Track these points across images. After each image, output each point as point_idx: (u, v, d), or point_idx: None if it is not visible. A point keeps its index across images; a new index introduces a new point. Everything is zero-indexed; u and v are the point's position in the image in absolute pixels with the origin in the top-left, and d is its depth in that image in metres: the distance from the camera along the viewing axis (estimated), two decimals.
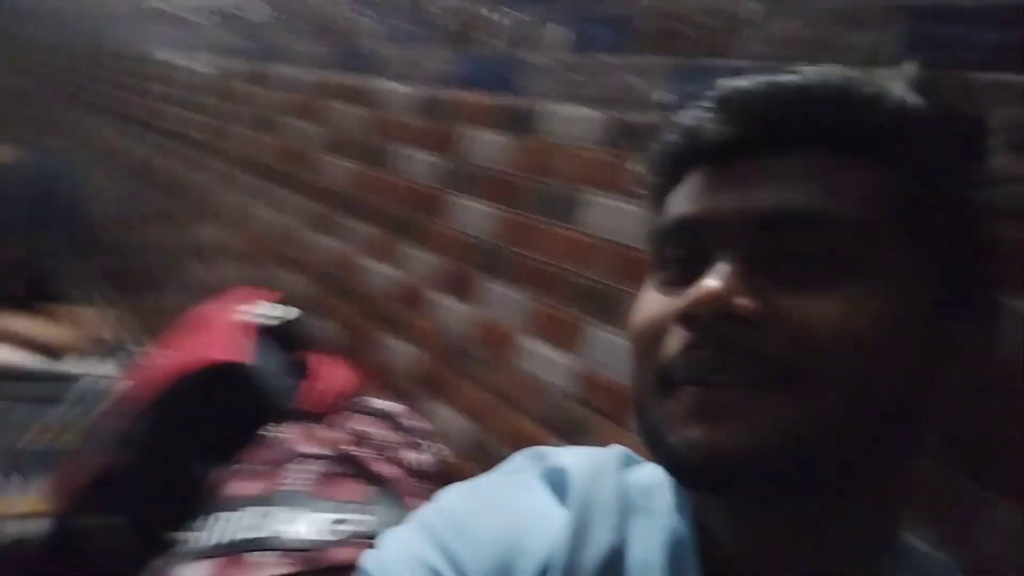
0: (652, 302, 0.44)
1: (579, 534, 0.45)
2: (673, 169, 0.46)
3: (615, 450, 0.51)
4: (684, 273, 0.42)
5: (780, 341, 0.38)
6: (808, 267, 0.40)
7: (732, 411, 0.38)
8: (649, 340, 0.43)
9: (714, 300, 0.38)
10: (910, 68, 0.50)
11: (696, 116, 0.44)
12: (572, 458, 0.51)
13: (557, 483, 0.49)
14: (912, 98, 0.43)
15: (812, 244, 0.40)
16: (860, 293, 0.39)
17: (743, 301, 0.39)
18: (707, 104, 0.44)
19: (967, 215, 0.46)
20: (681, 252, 0.43)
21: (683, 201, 0.44)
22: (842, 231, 0.40)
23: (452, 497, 0.51)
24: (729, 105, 0.43)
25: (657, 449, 0.42)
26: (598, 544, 0.45)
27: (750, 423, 0.38)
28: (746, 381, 0.39)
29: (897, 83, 0.44)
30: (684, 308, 0.40)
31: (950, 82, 0.49)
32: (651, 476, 0.49)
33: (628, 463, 0.51)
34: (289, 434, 1.10)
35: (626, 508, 0.47)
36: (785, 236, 0.40)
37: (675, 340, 0.41)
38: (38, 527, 1.41)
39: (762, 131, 0.42)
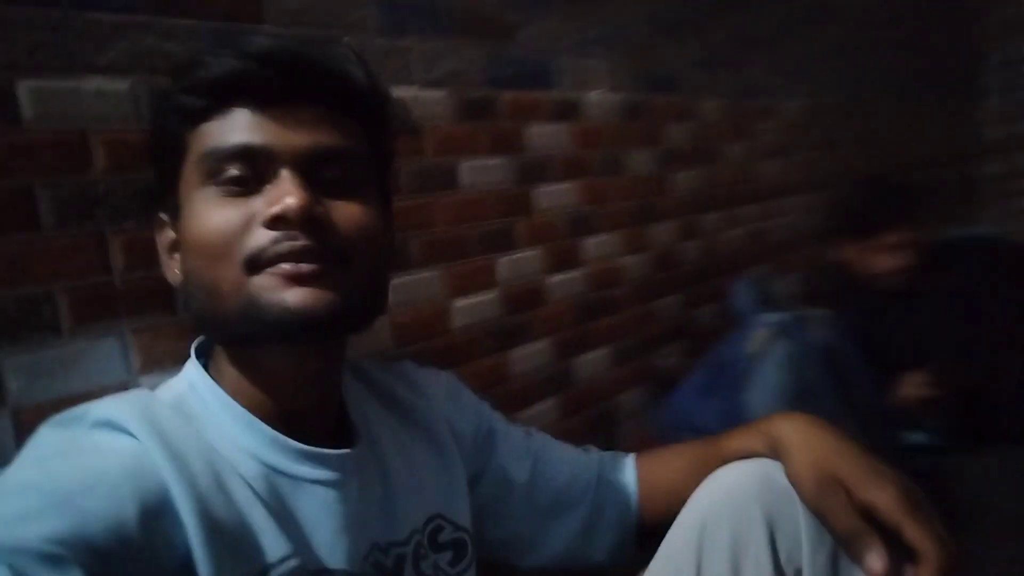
0: (224, 209, 0.57)
1: (178, 456, 0.53)
2: (212, 101, 0.58)
3: (133, 392, 0.61)
4: (243, 187, 0.57)
5: (335, 234, 0.58)
6: (337, 185, 0.59)
7: (318, 279, 0.56)
8: (232, 236, 0.56)
9: (303, 208, 0.55)
10: (349, 48, 0.67)
11: (238, 63, 0.57)
12: (105, 408, 0.55)
13: (113, 427, 0.54)
14: (366, 75, 0.63)
15: (339, 169, 0.60)
16: (366, 202, 0.61)
17: (320, 209, 0.57)
18: (247, 54, 0.58)
19: (390, 155, 0.69)
20: (241, 170, 0.57)
21: (238, 132, 0.57)
22: (354, 161, 0.61)
23: (20, 480, 0.49)
24: (274, 61, 0.57)
25: (251, 316, 0.55)
26: (198, 451, 0.55)
27: (329, 287, 0.56)
28: (324, 261, 0.56)
29: (353, 61, 0.63)
30: (278, 212, 0.55)
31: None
32: (170, 395, 0.62)
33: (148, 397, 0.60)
34: None
35: (186, 419, 0.58)
36: (324, 163, 0.59)
37: (261, 236, 0.56)
38: None
39: (297, 86, 0.58)
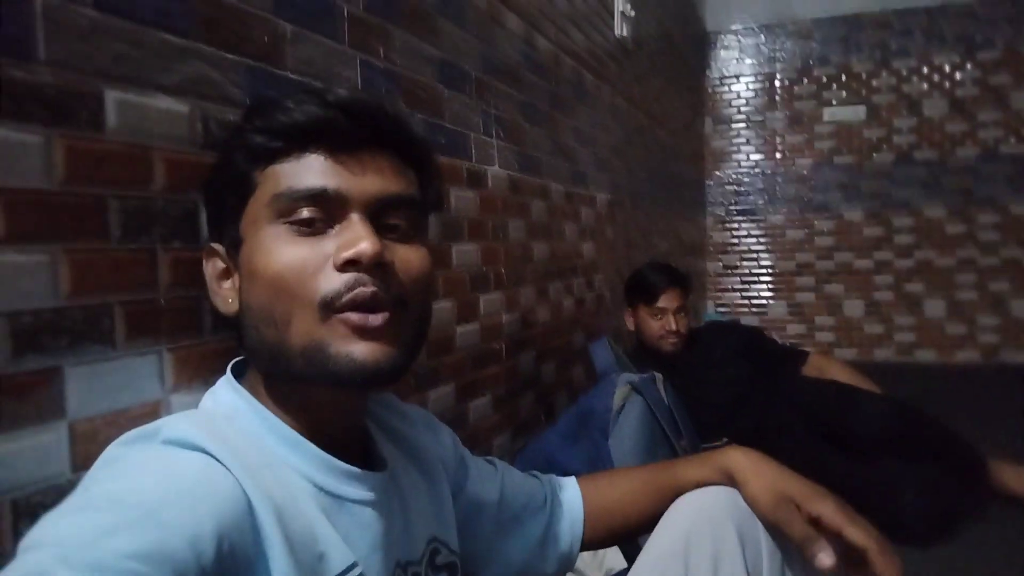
0: (296, 247, 0.59)
1: (252, 472, 0.54)
2: (289, 143, 0.61)
3: (193, 412, 0.63)
4: (313, 228, 0.60)
5: (398, 280, 0.61)
6: (399, 230, 0.63)
7: (383, 334, 0.59)
8: (306, 276, 0.58)
9: (376, 254, 0.58)
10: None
11: (320, 111, 0.60)
12: (175, 426, 0.55)
13: (186, 445, 0.54)
14: (418, 128, 0.72)
15: (401, 215, 0.63)
16: (423, 247, 0.65)
17: (389, 256, 0.60)
18: (328, 103, 0.61)
19: (438, 205, 0.76)
20: (314, 211, 0.60)
21: (314, 175, 0.60)
22: (415, 207, 0.65)
23: (100, 494, 0.48)
24: (351, 109, 0.61)
25: (317, 361, 0.58)
26: (264, 465, 0.57)
27: (392, 342, 0.59)
28: (387, 308, 0.59)
29: (409, 115, 0.72)
30: (352, 256, 0.58)
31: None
32: (221, 417, 0.62)
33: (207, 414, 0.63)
34: None
35: (245, 437, 0.60)
36: (389, 208, 0.62)
37: (334, 279, 0.58)
38: None
39: (369, 135, 0.62)
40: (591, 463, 1.54)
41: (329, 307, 0.58)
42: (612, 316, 2.62)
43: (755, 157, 4.91)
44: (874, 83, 4.61)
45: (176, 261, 0.80)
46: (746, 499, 0.80)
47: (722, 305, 4.96)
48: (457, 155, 1.46)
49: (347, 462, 0.64)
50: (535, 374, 1.89)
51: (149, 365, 0.77)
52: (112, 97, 0.73)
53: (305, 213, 0.59)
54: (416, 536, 0.72)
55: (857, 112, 4.66)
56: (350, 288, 0.58)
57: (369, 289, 0.58)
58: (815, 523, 0.76)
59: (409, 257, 0.62)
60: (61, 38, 0.68)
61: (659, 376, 1.68)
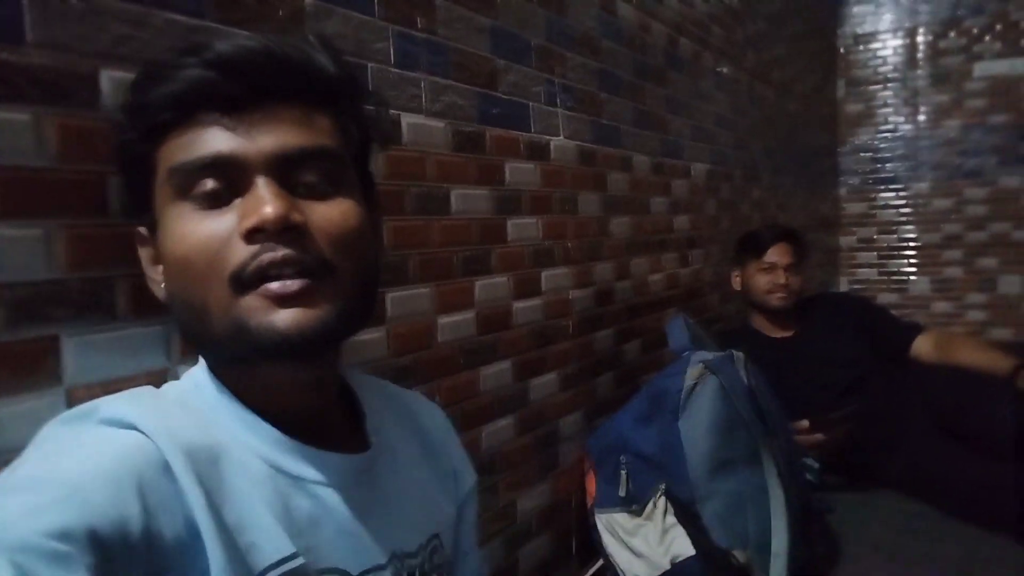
0: (200, 224, 0.55)
1: (187, 453, 0.52)
2: (176, 113, 0.56)
3: (140, 389, 0.61)
4: (218, 200, 0.55)
5: (317, 240, 0.56)
6: (315, 186, 0.57)
7: (305, 297, 0.54)
8: (213, 253, 0.54)
9: (280, 218, 0.53)
10: (317, 37, 0.64)
11: (199, 73, 0.55)
12: (113, 405, 0.54)
13: (122, 424, 0.53)
14: (335, 65, 0.60)
15: (315, 170, 0.57)
16: (346, 202, 0.59)
17: (297, 216, 0.55)
18: (202, 60, 0.55)
19: (369, 144, 0.67)
20: (214, 183, 0.55)
21: (207, 142, 0.55)
22: (329, 159, 0.58)
23: (26, 475, 0.48)
24: (235, 65, 0.55)
25: (240, 339, 0.54)
26: (204, 448, 0.54)
27: (317, 303, 0.55)
28: (307, 271, 0.54)
29: (321, 51, 0.60)
30: (255, 224, 0.53)
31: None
32: (175, 394, 0.62)
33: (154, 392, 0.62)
34: None
35: (193, 417, 0.58)
36: (297, 165, 0.57)
37: (241, 250, 0.54)
38: None
39: (263, 88, 0.56)
40: (662, 445, 1.47)
41: (239, 281, 0.54)
42: (714, 292, 2.50)
43: (895, 120, 4.51)
44: None
45: None
46: None
47: (857, 282, 4.61)
48: (514, 127, 1.42)
49: (322, 442, 0.61)
50: (615, 353, 1.82)
51: (154, 336, 0.79)
52: (108, 76, 0.75)
53: (207, 186, 0.55)
54: (416, 527, 0.69)
55: (1015, 66, 4.16)
56: (256, 256, 0.54)
57: (280, 253, 0.54)
58: None
59: (329, 213, 0.57)
60: (52, 21, 0.70)
61: (739, 355, 1.57)
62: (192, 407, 0.60)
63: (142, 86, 0.59)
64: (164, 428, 0.53)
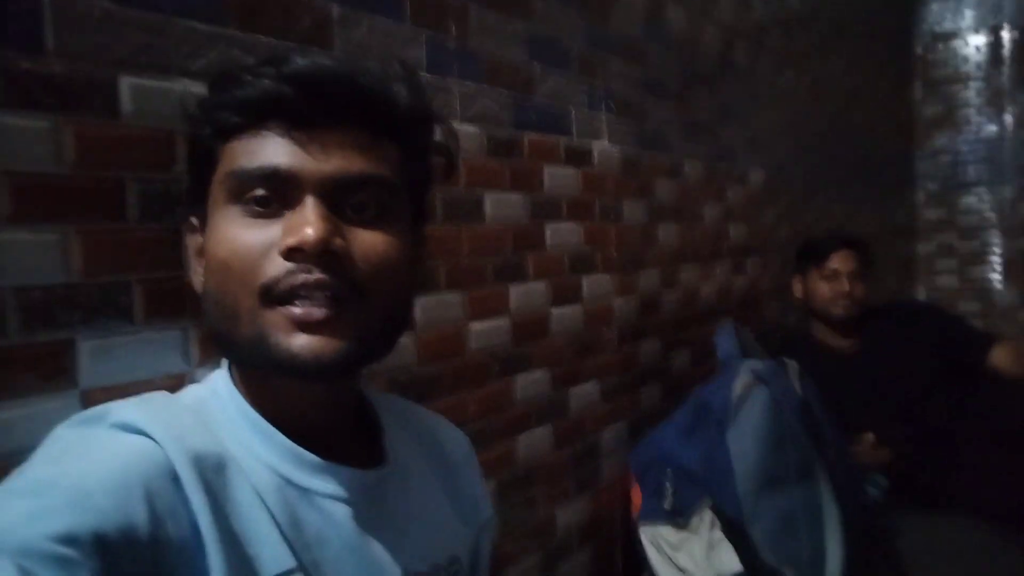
0: (246, 231, 0.56)
1: (195, 461, 0.52)
2: (245, 119, 0.57)
3: (154, 395, 0.61)
4: (268, 209, 0.56)
5: (354, 268, 0.56)
6: (364, 213, 0.58)
7: (327, 326, 0.54)
8: (251, 262, 0.55)
9: (321, 241, 0.53)
10: (400, 65, 0.65)
11: (273, 84, 0.56)
12: (124, 410, 0.55)
13: (131, 429, 0.53)
14: (411, 95, 0.62)
15: (368, 197, 0.58)
16: (392, 233, 0.59)
17: (339, 241, 0.55)
18: (283, 75, 0.56)
19: (430, 179, 0.68)
20: (266, 192, 0.56)
21: (268, 153, 0.56)
22: (384, 189, 0.59)
23: (34, 478, 0.48)
24: (309, 81, 0.56)
25: (259, 351, 0.55)
26: (213, 455, 0.55)
27: (339, 333, 0.55)
28: (337, 298, 0.55)
29: (400, 80, 0.62)
30: (295, 243, 0.54)
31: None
32: (191, 399, 0.62)
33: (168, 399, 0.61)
34: None
35: (204, 424, 0.58)
36: (351, 190, 0.57)
37: (277, 265, 0.54)
38: None
39: (332, 109, 0.57)
40: (708, 459, 1.41)
41: (269, 295, 0.55)
42: (773, 302, 2.41)
43: (977, 121, 4.28)
44: None
45: None
46: None
47: (935, 290, 4.39)
48: (553, 131, 1.39)
49: (336, 457, 0.61)
50: (662, 364, 1.77)
51: (172, 340, 0.80)
52: (127, 84, 0.76)
53: (256, 193, 0.56)
54: (429, 547, 0.67)
55: None
56: (291, 274, 0.54)
57: (313, 277, 0.54)
58: None
59: (373, 242, 0.58)
60: (71, 30, 0.72)
61: (793, 364, 1.50)
62: (206, 413, 0.60)
63: (219, 87, 0.61)
64: (174, 434, 0.53)
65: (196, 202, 0.63)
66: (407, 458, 0.70)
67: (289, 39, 0.93)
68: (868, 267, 2.17)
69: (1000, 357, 2.04)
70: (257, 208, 0.56)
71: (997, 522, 1.78)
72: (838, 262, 2.08)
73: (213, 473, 0.54)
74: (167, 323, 0.79)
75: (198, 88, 0.82)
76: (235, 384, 0.63)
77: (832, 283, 2.08)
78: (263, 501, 0.56)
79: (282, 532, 0.55)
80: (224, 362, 0.65)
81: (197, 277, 0.63)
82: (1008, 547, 1.71)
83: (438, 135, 0.69)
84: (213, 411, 0.60)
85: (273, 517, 0.56)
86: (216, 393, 0.63)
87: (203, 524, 0.51)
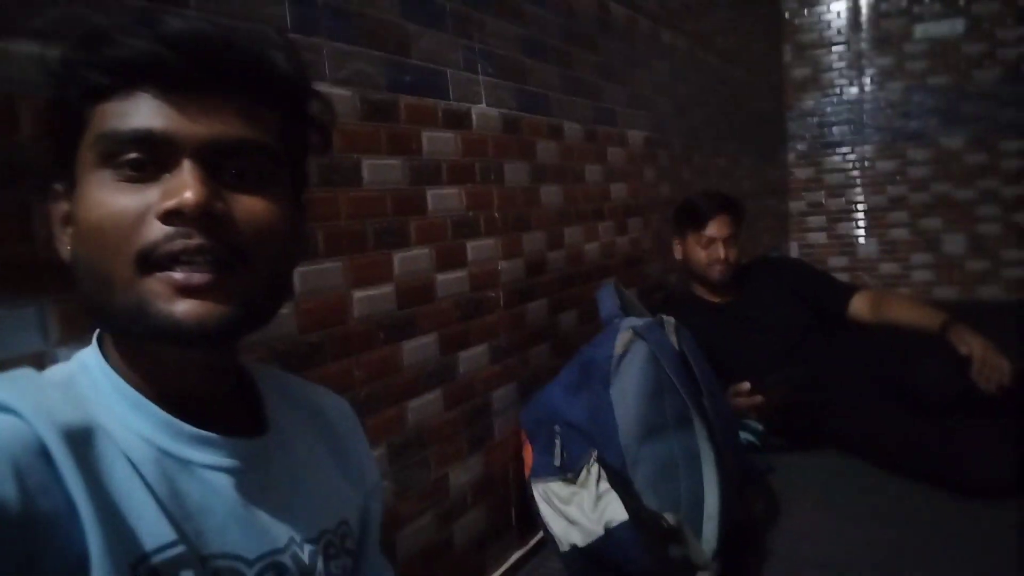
0: (119, 195, 0.54)
1: (66, 436, 0.51)
2: (118, 80, 0.55)
3: (18, 371, 0.58)
4: (142, 173, 0.54)
5: (236, 232, 0.55)
6: (243, 178, 0.57)
7: (210, 291, 0.53)
8: (126, 227, 0.53)
9: (201, 204, 0.52)
10: (276, 32, 0.65)
11: (148, 45, 0.54)
12: None
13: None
14: (289, 63, 0.61)
15: (247, 162, 0.57)
16: (273, 199, 0.58)
17: (220, 204, 0.54)
18: (159, 37, 0.54)
19: (307, 148, 0.66)
20: (140, 156, 0.54)
21: (141, 115, 0.54)
22: (264, 154, 0.58)
23: None
24: (187, 47, 0.54)
25: (138, 318, 0.54)
26: (84, 430, 0.53)
27: (222, 298, 0.54)
28: (219, 262, 0.54)
29: (277, 48, 0.60)
30: (174, 206, 0.52)
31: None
32: (59, 376, 0.60)
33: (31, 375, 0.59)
34: None
35: (74, 399, 0.56)
36: (230, 155, 0.56)
37: (154, 230, 0.53)
38: None
39: (209, 74, 0.55)
40: (593, 414, 1.46)
41: (147, 260, 0.53)
42: (655, 260, 2.50)
43: (840, 83, 4.54)
44: None
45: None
46: None
47: (807, 246, 4.67)
48: (430, 94, 1.38)
49: (215, 427, 0.60)
50: (549, 324, 1.81)
51: (27, 318, 0.76)
52: None
53: (129, 156, 0.54)
54: (314, 511, 0.67)
55: (954, 26, 4.21)
56: (170, 239, 0.53)
57: (194, 241, 0.53)
58: None
59: (254, 207, 0.57)
60: None
61: (669, 320, 1.57)
62: (76, 389, 0.58)
63: (87, 46, 0.56)
64: (42, 410, 0.51)
65: (60, 167, 0.60)
66: (289, 426, 0.70)
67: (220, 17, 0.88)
68: (741, 226, 2.29)
69: (858, 306, 2.21)
70: (130, 172, 0.54)
71: (864, 458, 1.94)
72: (715, 229, 2.20)
73: (85, 447, 0.52)
74: (20, 299, 0.75)
75: (43, 50, 0.77)
76: (107, 358, 0.61)
77: (709, 249, 2.20)
78: (139, 474, 0.54)
79: (161, 504, 0.54)
80: (94, 338, 0.63)
81: (62, 245, 0.61)
82: (872, 475, 1.87)
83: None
84: (83, 386, 0.58)
85: (151, 490, 0.54)
86: (86, 368, 0.60)
87: (78, 499, 0.49)
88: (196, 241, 0.53)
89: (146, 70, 0.54)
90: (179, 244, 0.53)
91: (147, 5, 0.87)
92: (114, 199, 0.54)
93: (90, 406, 0.56)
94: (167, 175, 0.54)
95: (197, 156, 0.55)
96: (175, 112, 0.54)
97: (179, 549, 0.53)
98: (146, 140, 0.54)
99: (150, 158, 0.54)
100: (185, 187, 0.53)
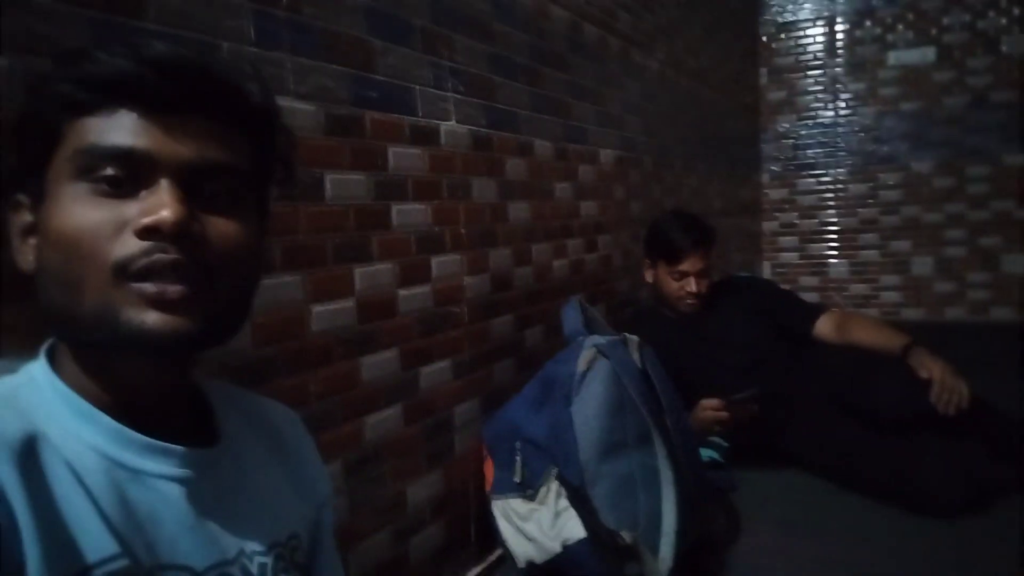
0: (94, 209, 0.56)
1: (6, 447, 0.51)
2: (99, 97, 0.56)
3: None
4: (118, 189, 0.56)
5: (208, 251, 0.57)
6: (216, 200, 0.59)
7: (180, 305, 0.55)
8: (102, 239, 0.55)
9: (180, 223, 0.55)
10: (250, 64, 0.68)
11: (133, 65, 0.56)
12: None
13: None
14: (261, 93, 0.63)
15: (221, 184, 0.59)
16: (242, 222, 0.60)
17: (195, 225, 0.57)
18: (143, 58, 0.56)
19: (272, 176, 0.68)
20: (117, 172, 0.56)
21: (123, 132, 0.56)
22: (237, 178, 0.61)
23: None
24: (170, 68, 0.57)
25: (106, 324, 0.55)
26: (26, 441, 0.53)
27: (192, 313, 0.56)
28: (191, 279, 0.56)
29: (252, 79, 0.63)
30: (152, 223, 0.54)
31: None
32: (5, 388, 0.59)
33: None
34: None
35: (15, 410, 0.56)
36: (207, 177, 0.58)
37: (130, 244, 0.55)
38: None
39: (190, 96, 0.58)
40: (554, 431, 1.47)
41: (123, 272, 0.55)
42: (624, 277, 2.51)
43: (815, 107, 4.62)
44: (944, 21, 4.24)
45: None
46: None
47: (779, 266, 4.72)
48: (397, 110, 1.39)
49: (165, 437, 0.60)
50: (515, 340, 1.82)
51: None
52: None
53: (108, 171, 0.56)
54: (264, 524, 0.67)
55: (925, 54, 4.30)
56: (147, 254, 0.55)
57: (170, 257, 0.55)
58: None
59: (225, 229, 0.59)
60: None
61: (633, 339, 1.58)
62: (20, 400, 0.58)
63: (69, 62, 0.58)
64: None
65: (26, 176, 0.60)
66: (240, 438, 0.70)
67: (96, 6, 0.88)
68: (712, 256, 2.30)
69: (823, 327, 2.23)
70: (106, 187, 0.56)
71: (823, 476, 1.96)
72: (688, 265, 2.20)
73: (26, 458, 0.52)
74: None
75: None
76: (58, 370, 0.61)
77: (681, 283, 2.20)
78: (84, 485, 0.54)
79: (105, 516, 0.54)
80: (43, 351, 0.63)
81: (23, 256, 0.61)
82: (832, 492, 1.89)
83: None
84: (27, 397, 0.58)
85: (95, 501, 0.54)
86: (33, 380, 0.60)
87: (18, 510, 0.49)
88: (172, 256, 0.55)
89: (129, 89, 0.56)
90: (156, 258, 0.55)
91: (86, 13, 0.87)
92: (91, 212, 0.55)
93: (35, 417, 0.56)
94: (144, 192, 0.56)
95: (175, 176, 0.57)
96: (156, 131, 0.56)
97: (122, 562, 0.53)
98: (126, 157, 0.56)
99: (128, 174, 0.56)
100: (163, 205, 0.55)
